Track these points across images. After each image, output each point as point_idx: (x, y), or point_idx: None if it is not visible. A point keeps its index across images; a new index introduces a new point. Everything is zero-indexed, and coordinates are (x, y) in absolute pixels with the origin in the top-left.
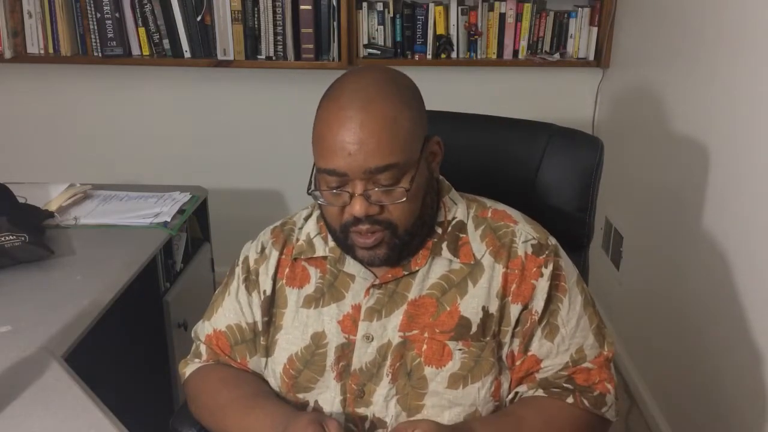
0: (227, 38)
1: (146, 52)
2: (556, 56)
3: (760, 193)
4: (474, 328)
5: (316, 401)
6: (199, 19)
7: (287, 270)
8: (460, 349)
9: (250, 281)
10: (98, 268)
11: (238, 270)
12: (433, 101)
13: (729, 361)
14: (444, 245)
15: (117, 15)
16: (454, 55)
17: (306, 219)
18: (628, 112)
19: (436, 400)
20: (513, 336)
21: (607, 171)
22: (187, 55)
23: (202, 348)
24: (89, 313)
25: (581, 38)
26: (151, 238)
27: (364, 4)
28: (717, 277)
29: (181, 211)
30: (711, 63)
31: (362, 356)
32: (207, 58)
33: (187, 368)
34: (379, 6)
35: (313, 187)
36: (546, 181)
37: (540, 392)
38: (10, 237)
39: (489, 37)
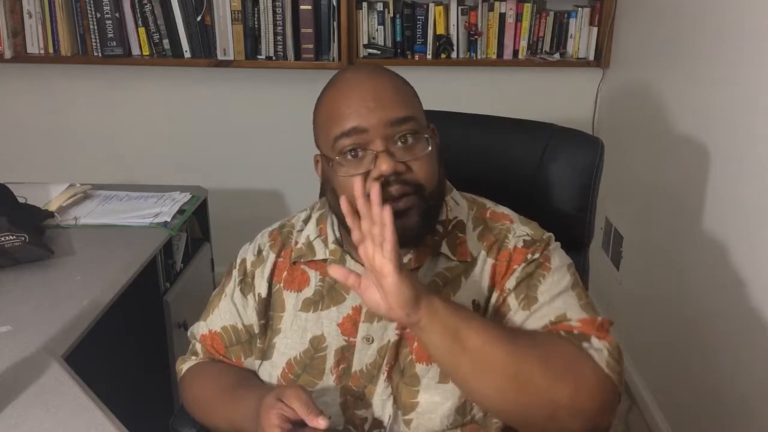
0: (227, 38)
1: (146, 52)
2: (556, 56)
3: (760, 193)
4: None
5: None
6: (199, 19)
7: (285, 273)
8: None
9: (246, 284)
10: (98, 268)
11: (235, 272)
12: (433, 101)
13: (729, 361)
14: (444, 242)
15: (117, 15)
16: (454, 55)
17: (305, 221)
18: (628, 112)
19: (429, 396)
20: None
21: (607, 171)
22: (187, 55)
23: (198, 346)
24: (89, 313)
25: (581, 38)
26: (151, 238)
27: (364, 4)
28: (717, 277)
29: (181, 211)
30: (711, 63)
31: (363, 358)
32: (207, 58)
33: (184, 365)
34: (379, 6)
35: (329, 165)
36: (546, 180)
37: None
38: (10, 237)
39: (489, 37)
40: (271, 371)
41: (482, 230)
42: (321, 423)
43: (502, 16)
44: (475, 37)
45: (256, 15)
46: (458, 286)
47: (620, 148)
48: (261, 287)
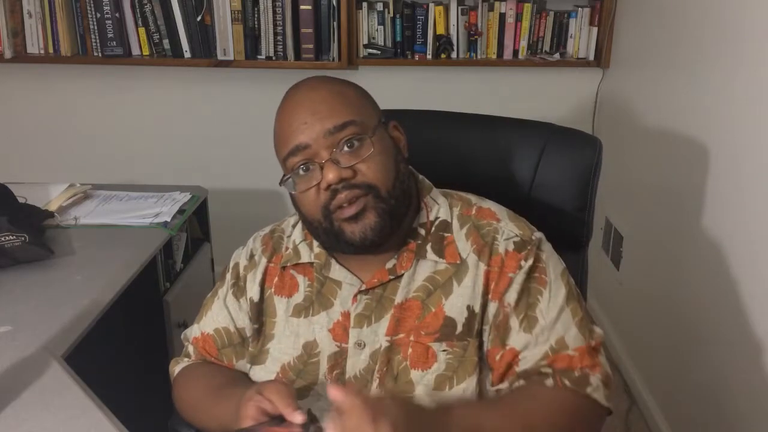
0: (227, 38)
1: (146, 52)
2: (556, 56)
3: (760, 192)
4: (459, 328)
5: (309, 410)
6: (199, 19)
7: (276, 279)
8: (444, 350)
9: (239, 287)
10: (98, 268)
11: (228, 276)
12: (433, 101)
13: (729, 361)
14: (428, 247)
15: (117, 15)
16: (454, 55)
17: (293, 226)
18: (628, 112)
19: (424, 404)
20: (489, 332)
21: (607, 171)
22: (187, 55)
23: (191, 349)
24: (89, 313)
25: (581, 38)
26: (151, 238)
27: (364, 4)
28: (717, 276)
29: (181, 211)
30: (711, 63)
31: (356, 363)
32: (207, 58)
33: (177, 367)
34: (379, 6)
35: (287, 182)
36: (545, 180)
37: (521, 382)
38: (10, 237)
39: (489, 37)
40: (264, 376)
41: (469, 228)
42: (297, 417)
43: (502, 16)
44: (475, 37)
45: (256, 15)
46: (450, 291)
47: (620, 148)
48: (253, 291)
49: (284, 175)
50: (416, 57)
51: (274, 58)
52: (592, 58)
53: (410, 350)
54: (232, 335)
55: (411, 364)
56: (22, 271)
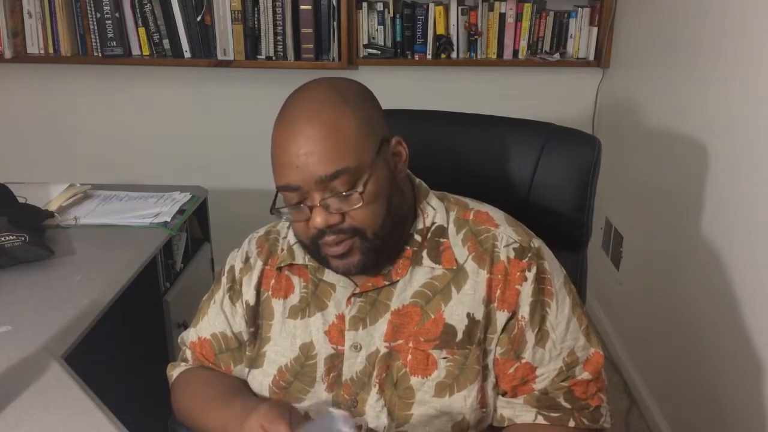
0: (227, 38)
1: (146, 52)
2: (556, 56)
3: (760, 193)
4: (459, 336)
5: (306, 413)
6: (199, 19)
7: (272, 281)
8: (444, 358)
9: (235, 291)
10: (98, 268)
11: (224, 279)
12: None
13: (729, 361)
14: (424, 253)
15: (117, 15)
16: (454, 55)
17: (289, 228)
18: (628, 112)
19: (424, 410)
20: (497, 343)
21: (607, 171)
22: (187, 55)
23: (188, 353)
24: (89, 313)
25: (581, 38)
26: (151, 238)
27: (364, 4)
28: (717, 276)
29: (181, 211)
30: (711, 63)
31: (352, 366)
32: (207, 58)
33: (174, 371)
34: (379, 6)
35: (275, 206)
36: (544, 180)
37: (540, 419)
38: (10, 237)
39: (489, 37)
40: (262, 380)
41: (466, 234)
42: None
43: (502, 16)
44: (475, 37)
45: (256, 15)
46: (449, 297)
47: (620, 148)
48: (248, 294)
49: (274, 202)
50: (416, 57)
51: (274, 58)
52: (592, 58)
53: (410, 357)
54: (229, 340)
55: (411, 370)
56: (22, 271)
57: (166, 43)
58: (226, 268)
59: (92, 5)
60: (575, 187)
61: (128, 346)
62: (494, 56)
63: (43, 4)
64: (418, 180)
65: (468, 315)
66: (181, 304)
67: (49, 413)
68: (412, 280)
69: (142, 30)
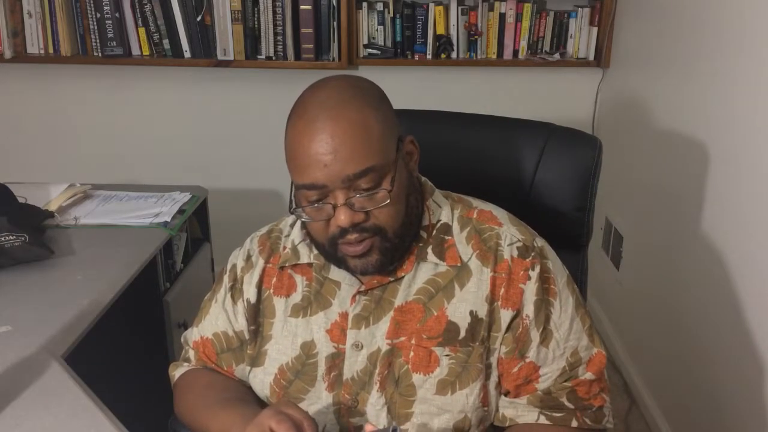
0: (227, 38)
1: (146, 52)
2: (556, 56)
3: (760, 193)
4: (462, 333)
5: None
6: (199, 19)
7: (274, 279)
8: (447, 355)
9: (236, 290)
10: (98, 268)
11: (225, 278)
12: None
13: (729, 361)
14: (429, 249)
15: (117, 15)
16: (454, 55)
17: (291, 226)
18: (628, 112)
19: (425, 407)
20: (502, 342)
21: (607, 171)
22: (187, 55)
23: (191, 353)
24: (89, 313)
25: (581, 38)
26: (151, 238)
27: (364, 4)
28: (717, 277)
29: (181, 211)
30: (711, 63)
31: (353, 365)
32: (207, 58)
33: (177, 371)
34: (379, 6)
35: (294, 205)
36: (544, 180)
37: (543, 419)
38: (10, 237)
39: (489, 37)
40: (263, 378)
41: (470, 232)
42: None
43: (502, 16)
44: (475, 37)
45: (256, 15)
46: (452, 294)
47: (620, 148)
48: (250, 293)
49: (294, 202)
50: (416, 57)
51: (274, 58)
52: (592, 58)
53: (412, 354)
54: (230, 339)
55: (413, 367)
56: (22, 271)
57: (166, 43)
58: (228, 267)
59: (92, 5)
60: (576, 187)
61: (128, 346)
62: (494, 56)
63: (43, 4)
64: (423, 178)
65: (471, 313)
66: (181, 304)
67: (49, 413)
68: (416, 276)
69: (142, 30)
